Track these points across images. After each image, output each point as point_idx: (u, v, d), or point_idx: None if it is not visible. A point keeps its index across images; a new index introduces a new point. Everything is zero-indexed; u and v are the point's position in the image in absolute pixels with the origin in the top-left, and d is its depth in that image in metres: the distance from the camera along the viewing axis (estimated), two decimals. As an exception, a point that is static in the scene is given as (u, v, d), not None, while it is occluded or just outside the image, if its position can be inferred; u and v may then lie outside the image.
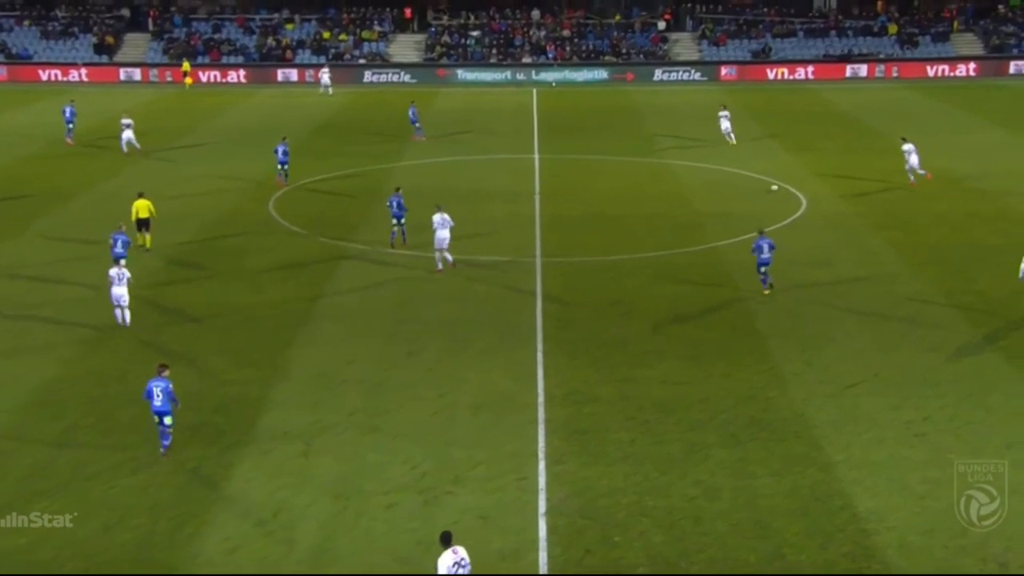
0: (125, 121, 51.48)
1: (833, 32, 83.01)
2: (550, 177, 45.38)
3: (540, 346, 26.38)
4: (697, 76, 78.03)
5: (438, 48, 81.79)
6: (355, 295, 30.57)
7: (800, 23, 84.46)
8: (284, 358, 25.81)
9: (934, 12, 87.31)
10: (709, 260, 33.45)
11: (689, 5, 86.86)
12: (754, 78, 77.77)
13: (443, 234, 31.73)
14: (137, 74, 78.41)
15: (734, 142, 51.64)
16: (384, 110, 64.17)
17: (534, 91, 72.79)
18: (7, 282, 31.83)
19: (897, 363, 25.19)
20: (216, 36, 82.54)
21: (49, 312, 29.11)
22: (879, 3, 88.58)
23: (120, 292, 27.55)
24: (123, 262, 28.84)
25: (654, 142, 53.88)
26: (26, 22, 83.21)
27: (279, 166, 43.58)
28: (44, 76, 77.86)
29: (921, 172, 42.16)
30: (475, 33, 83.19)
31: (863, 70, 78.23)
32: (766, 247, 29.71)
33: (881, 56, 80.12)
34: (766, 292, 29.76)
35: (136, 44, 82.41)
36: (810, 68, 78.36)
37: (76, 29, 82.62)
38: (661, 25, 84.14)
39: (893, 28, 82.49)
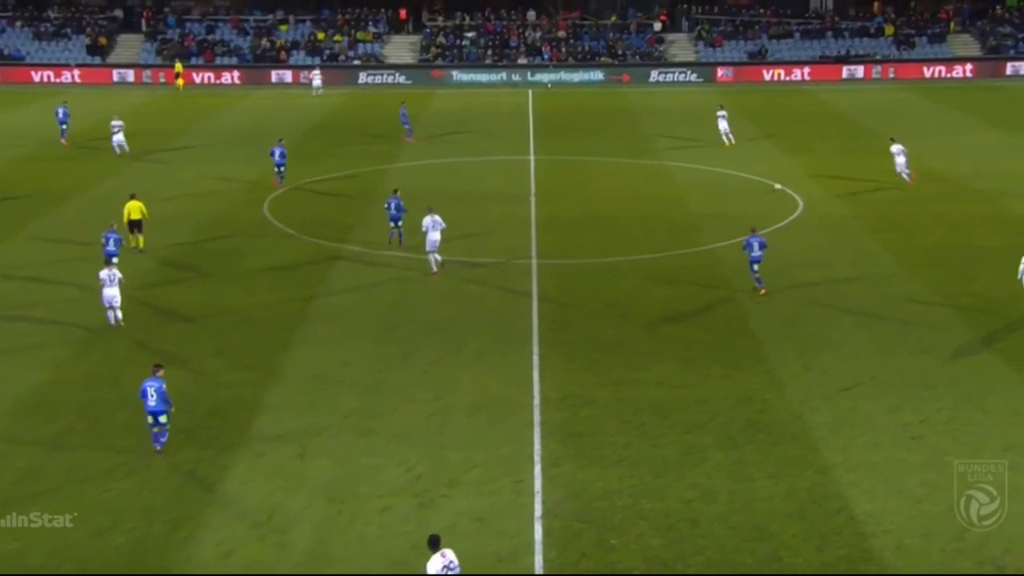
0: (116, 123, 51.22)
1: (829, 33, 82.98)
2: (546, 178, 45.31)
3: (536, 348, 26.29)
4: (693, 77, 77.97)
5: (433, 49, 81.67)
6: (350, 297, 30.46)
7: (796, 24, 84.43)
8: (279, 360, 25.71)
9: (931, 13, 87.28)
10: (705, 262, 33.39)
11: (685, 6, 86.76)
12: (750, 79, 77.69)
13: (434, 236, 31.64)
14: (130, 75, 78.22)
15: (733, 142, 51.57)
16: (379, 111, 64.02)
17: (530, 92, 72.68)
18: (0, 283, 31.70)
19: (894, 365, 25.14)
20: (210, 37, 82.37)
21: (43, 313, 29.01)
22: (876, 4, 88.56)
23: (112, 294, 27.40)
24: (115, 260, 28.72)
25: (650, 143, 53.81)
26: (18, 23, 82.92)
27: (275, 168, 43.52)
28: (37, 77, 77.66)
29: (907, 173, 42.01)
30: (470, 34, 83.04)
31: (860, 71, 78.21)
32: (756, 245, 29.68)
33: (878, 57, 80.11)
34: (762, 292, 29.70)
35: (129, 45, 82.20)
36: (806, 69, 78.29)
37: (69, 30, 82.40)
38: (657, 26, 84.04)
39: (890, 29, 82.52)
